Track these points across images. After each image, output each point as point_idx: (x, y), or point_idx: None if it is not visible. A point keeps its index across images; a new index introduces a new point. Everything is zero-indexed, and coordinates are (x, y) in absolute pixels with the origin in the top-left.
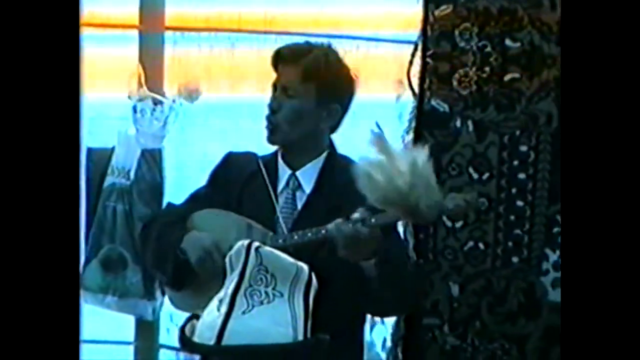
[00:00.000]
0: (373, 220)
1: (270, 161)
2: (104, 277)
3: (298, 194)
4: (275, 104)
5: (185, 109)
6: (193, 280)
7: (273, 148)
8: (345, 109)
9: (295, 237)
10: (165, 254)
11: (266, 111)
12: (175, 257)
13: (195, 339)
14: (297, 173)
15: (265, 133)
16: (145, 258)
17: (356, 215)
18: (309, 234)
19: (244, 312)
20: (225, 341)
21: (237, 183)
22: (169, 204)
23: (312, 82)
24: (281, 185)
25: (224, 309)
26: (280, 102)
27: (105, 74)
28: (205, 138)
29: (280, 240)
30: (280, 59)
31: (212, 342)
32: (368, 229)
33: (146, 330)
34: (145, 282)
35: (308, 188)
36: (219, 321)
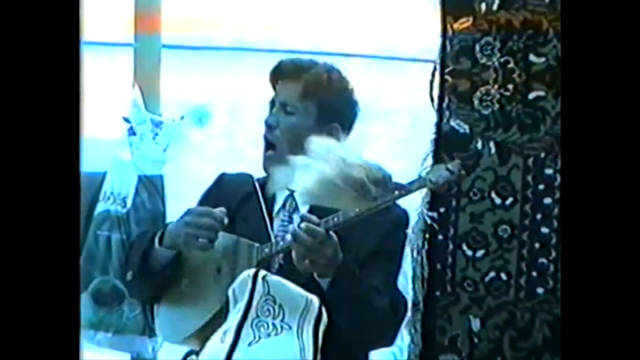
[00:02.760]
0: (335, 219)
1: (266, 182)
2: (95, 311)
3: (295, 216)
4: (273, 120)
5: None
6: (167, 287)
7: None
8: (346, 129)
9: (282, 243)
10: (135, 253)
11: (264, 129)
12: (149, 264)
13: None
14: (295, 194)
15: (262, 160)
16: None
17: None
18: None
19: (249, 344)
20: None
21: (229, 205)
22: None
23: (313, 99)
24: (277, 206)
25: (229, 340)
26: (278, 118)
27: (96, 94)
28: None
29: (266, 250)
30: (280, 74)
31: None
32: (323, 230)
33: None
34: (145, 317)
35: (305, 209)
36: (224, 352)
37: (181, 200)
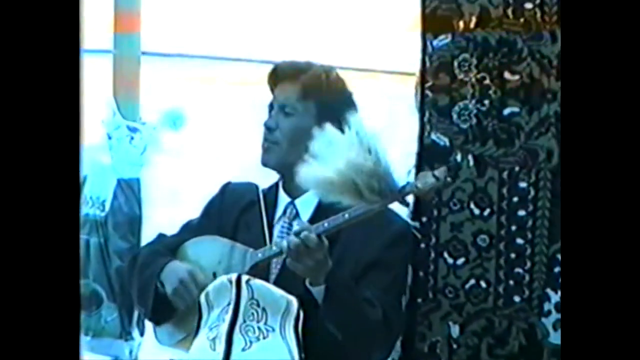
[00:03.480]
0: (325, 224)
1: (270, 191)
2: None
3: (295, 223)
4: (273, 122)
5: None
6: (171, 314)
7: (258, 175)
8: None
9: (274, 247)
10: (146, 285)
11: (263, 131)
12: (155, 288)
13: None
14: (296, 201)
15: (260, 153)
16: (130, 289)
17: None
18: (285, 243)
19: (243, 349)
20: None
21: (232, 213)
22: (160, 234)
23: (312, 99)
24: (278, 214)
25: (221, 347)
26: (278, 120)
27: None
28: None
29: (259, 254)
30: (277, 76)
31: None
32: (315, 235)
33: None
34: (122, 321)
35: (306, 217)
36: (218, 358)
37: (156, 203)
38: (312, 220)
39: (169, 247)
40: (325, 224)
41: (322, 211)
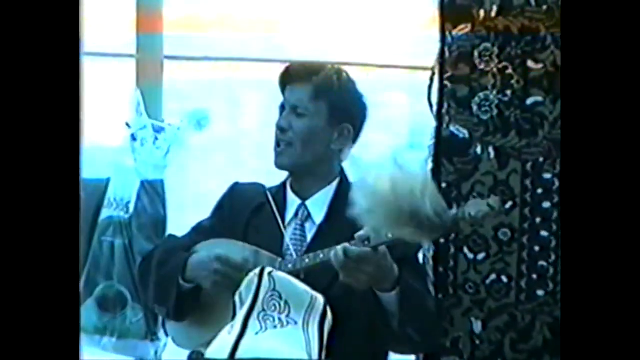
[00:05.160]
0: (391, 234)
1: (278, 192)
2: (100, 317)
3: (307, 225)
4: (285, 123)
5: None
6: (195, 310)
7: (279, 177)
8: (356, 131)
9: (307, 260)
10: (166, 283)
11: (275, 132)
12: (178, 285)
13: None
14: (307, 202)
15: (273, 156)
16: (145, 290)
17: (361, 233)
18: (321, 256)
19: (257, 333)
20: (239, 356)
21: (242, 215)
22: (170, 236)
23: (323, 100)
24: (289, 216)
25: (236, 330)
26: (290, 121)
27: (99, 103)
28: (205, 173)
29: (290, 265)
30: (289, 78)
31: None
32: (371, 249)
33: None
34: (147, 322)
35: (318, 218)
36: (232, 340)
37: (182, 206)
38: (325, 221)
39: (182, 248)
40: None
41: (335, 212)
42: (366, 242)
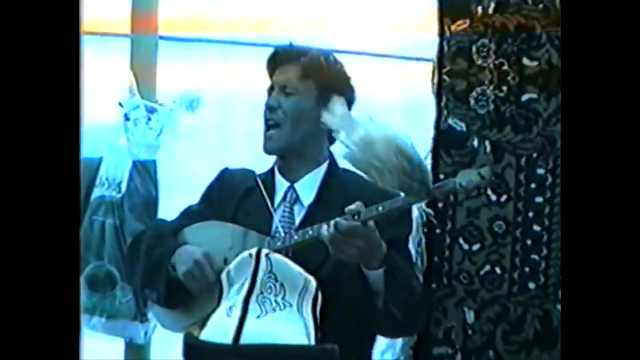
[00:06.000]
0: (381, 207)
1: (267, 176)
2: (90, 296)
3: (296, 207)
4: (274, 102)
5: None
6: (185, 297)
7: (269, 162)
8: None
9: (296, 236)
10: (156, 269)
11: (264, 111)
12: (167, 272)
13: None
14: (296, 185)
15: (262, 141)
16: (134, 274)
17: (352, 207)
18: (310, 232)
19: (258, 317)
20: (243, 342)
21: (232, 199)
22: (159, 220)
23: (312, 79)
24: (278, 199)
25: (237, 313)
26: (279, 100)
27: (93, 81)
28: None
29: (279, 243)
30: (277, 60)
31: (228, 342)
32: (361, 223)
33: (136, 354)
34: (137, 302)
35: (307, 201)
36: (234, 324)
37: (172, 188)
38: (314, 203)
39: (171, 231)
40: (356, 216)
41: (324, 195)
42: (356, 217)
